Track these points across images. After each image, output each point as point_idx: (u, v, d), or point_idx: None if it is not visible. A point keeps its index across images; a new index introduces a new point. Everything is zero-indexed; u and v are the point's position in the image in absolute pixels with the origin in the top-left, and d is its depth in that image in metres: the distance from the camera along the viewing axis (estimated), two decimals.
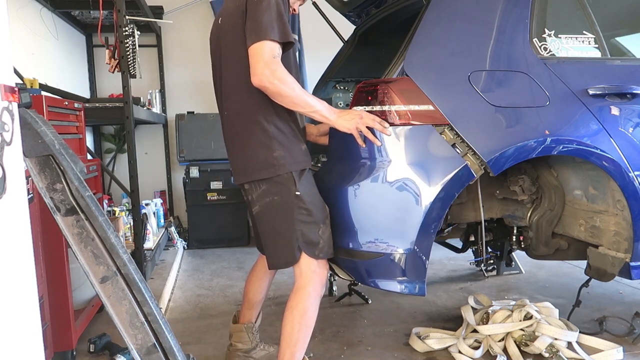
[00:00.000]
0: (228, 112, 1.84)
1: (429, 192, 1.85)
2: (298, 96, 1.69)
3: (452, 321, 2.63)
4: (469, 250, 2.98)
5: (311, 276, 1.81)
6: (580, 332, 2.32)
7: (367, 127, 1.82)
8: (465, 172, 1.85)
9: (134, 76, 3.16)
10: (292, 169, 1.74)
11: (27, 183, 1.50)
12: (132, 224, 3.28)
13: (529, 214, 2.30)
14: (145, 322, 1.36)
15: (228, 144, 1.88)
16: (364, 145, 1.86)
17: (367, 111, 1.90)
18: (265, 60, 1.63)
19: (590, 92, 1.99)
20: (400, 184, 1.86)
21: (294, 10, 1.91)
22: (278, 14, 1.67)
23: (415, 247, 1.86)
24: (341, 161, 1.99)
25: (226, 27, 1.80)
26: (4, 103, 1.09)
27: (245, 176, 1.80)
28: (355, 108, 1.94)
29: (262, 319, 2.24)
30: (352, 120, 1.80)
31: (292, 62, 1.83)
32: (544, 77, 1.98)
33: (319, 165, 2.56)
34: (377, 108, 1.88)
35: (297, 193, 1.74)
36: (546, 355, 2.17)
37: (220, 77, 1.86)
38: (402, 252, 1.87)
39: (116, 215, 3.66)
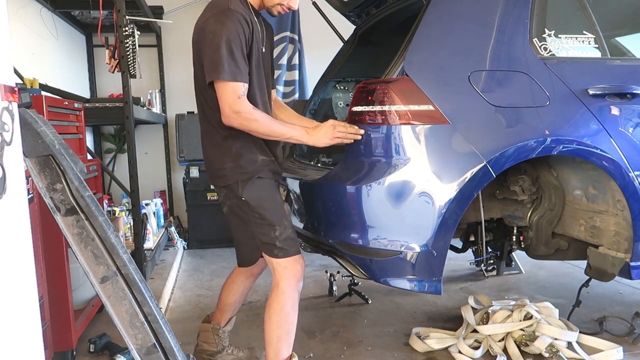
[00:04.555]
0: (200, 119, 1.96)
1: (447, 191, 1.86)
2: (268, 129, 1.82)
3: (452, 321, 2.63)
4: (469, 250, 2.98)
5: (283, 272, 1.85)
6: (580, 332, 2.31)
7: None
8: (484, 171, 1.85)
9: (134, 76, 3.16)
10: (238, 179, 1.85)
11: (27, 183, 1.50)
12: (132, 224, 3.28)
13: (529, 214, 2.30)
14: (145, 322, 1.36)
15: (202, 144, 2.00)
16: (351, 142, 1.92)
17: (367, 111, 1.91)
18: (229, 103, 1.74)
19: (590, 92, 1.99)
20: (418, 183, 1.86)
21: (292, 7, 1.89)
22: (229, 51, 1.70)
23: (432, 246, 1.87)
24: (358, 159, 1.98)
25: (193, 47, 1.85)
26: (4, 103, 1.09)
27: (212, 180, 1.99)
28: (354, 108, 1.95)
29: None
30: (326, 134, 1.91)
31: (257, 86, 1.86)
32: (544, 77, 1.98)
33: (319, 165, 2.56)
34: (377, 108, 1.89)
35: (243, 199, 1.85)
36: (546, 355, 2.16)
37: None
38: (418, 251, 1.88)
39: (116, 215, 3.66)
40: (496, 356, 2.19)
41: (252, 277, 2.16)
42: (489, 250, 2.95)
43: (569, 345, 2.22)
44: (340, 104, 2.96)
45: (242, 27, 1.73)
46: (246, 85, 1.76)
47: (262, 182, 1.89)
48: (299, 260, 1.89)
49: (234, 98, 1.73)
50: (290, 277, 1.85)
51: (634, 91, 2.04)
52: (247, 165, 1.86)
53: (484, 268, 3.27)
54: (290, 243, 1.87)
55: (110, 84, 4.68)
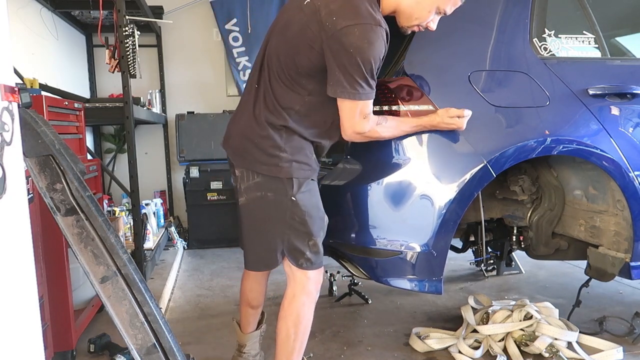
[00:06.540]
0: (264, 95, 1.68)
1: (448, 191, 1.86)
2: (393, 134, 1.79)
3: (452, 321, 2.63)
4: (469, 250, 2.98)
5: (305, 284, 1.72)
6: (580, 332, 2.31)
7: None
8: (484, 171, 1.86)
9: (134, 76, 3.16)
10: (294, 175, 1.65)
11: (27, 183, 1.50)
12: (132, 224, 3.28)
13: (529, 214, 2.30)
14: (145, 322, 1.36)
15: (242, 117, 1.72)
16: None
17: None
18: (352, 124, 1.64)
19: (590, 92, 1.99)
20: (418, 183, 1.87)
21: (430, 28, 1.75)
22: (370, 72, 1.56)
23: (433, 246, 1.87)
24: (359, 159, 1.99)
25: (284, 33, 1.64)
26: (4, 103, 1.09)
27: (244, 161, 1.69)
28: None
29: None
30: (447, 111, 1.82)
31: None
32: (544, 77, 1.98)
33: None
34: (377, 108, 1.89)
35: (293, 199, 1.65)
36: (546, 355, 2.16)
37: (263, 57, 1.71)
38: (419, 251, 1.88)
39: (116, 215, 3.65)
40: (496, 356, 2.19)
41: (268, 273, 2.03)
42: (489, 250, 2.95)
43: (569, 345, 2.22)
44: None
45: (385, 46, 1.57)
46: (372, 101, 1.64)
47: (314, 186, 1.74)
48: (321, 272, 1.78)
49: (359, 119, 1.62)
50: (312, 290, 1.74)
51: (634, 91, 2.05)
52: (307, 162, 1.69)
53: (484, 268, 3.27)
54: (318, 256, 1.74)
55: (110, 84, 4.68)
